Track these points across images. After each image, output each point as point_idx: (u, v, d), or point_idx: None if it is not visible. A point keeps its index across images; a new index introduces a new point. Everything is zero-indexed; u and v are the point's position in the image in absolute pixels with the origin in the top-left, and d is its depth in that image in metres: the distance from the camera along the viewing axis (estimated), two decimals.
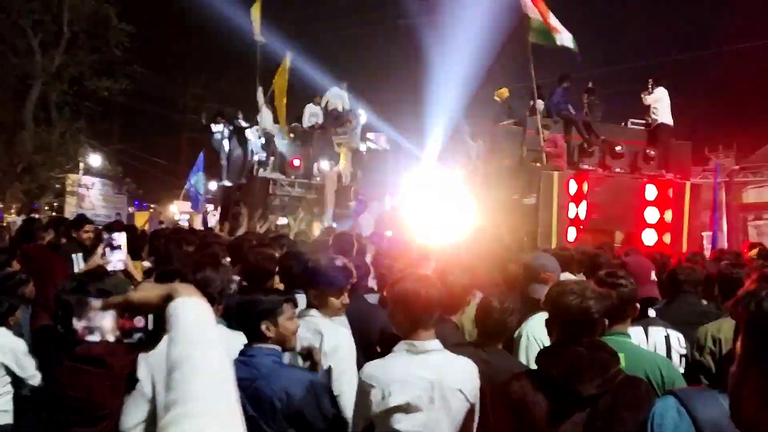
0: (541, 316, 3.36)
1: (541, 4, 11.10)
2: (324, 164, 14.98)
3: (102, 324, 1.34)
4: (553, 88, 12.57)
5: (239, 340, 2.90)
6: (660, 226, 11.56)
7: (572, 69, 12.80)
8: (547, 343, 3.26)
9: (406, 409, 2.51)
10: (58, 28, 19.35)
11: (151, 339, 1.36)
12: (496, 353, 3.07)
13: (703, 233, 10.78)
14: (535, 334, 3.28)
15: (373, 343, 3.73)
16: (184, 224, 15.09)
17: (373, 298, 4.55)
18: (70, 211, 21.47)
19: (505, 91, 13.38)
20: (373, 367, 2.66)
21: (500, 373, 2.78)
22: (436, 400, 2.51)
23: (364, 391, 2.61)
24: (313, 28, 25.65)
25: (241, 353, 2.71)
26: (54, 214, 21.06)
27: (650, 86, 12.44)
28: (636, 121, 13.44)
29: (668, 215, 11.61)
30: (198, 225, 12.75)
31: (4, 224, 8.99)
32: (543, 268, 3.56)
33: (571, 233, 10.86)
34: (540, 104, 12.26)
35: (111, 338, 1.35)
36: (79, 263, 5.17)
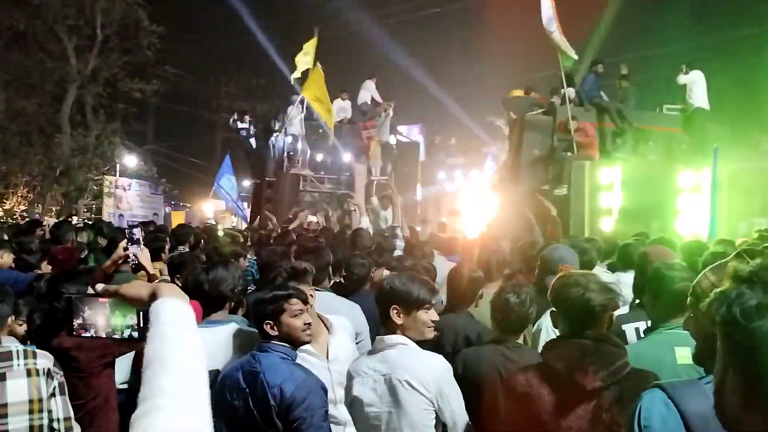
0: None
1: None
2: (353, 159, 15.00)
3: (96, 321, 1.40)
4: (585, 75, 12.32)
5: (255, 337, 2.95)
6: (696, 215, 11.21)
7: (604, 54, 12.55)
8: None
9: (360, 401, 2.67)
10: (92, 31, 19.69)
11: (141, 336, 1.38)
12: (516, 348, 3.01)
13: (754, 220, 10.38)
14: (553, 327, 3.21)
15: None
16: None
17: None
18: (108, 213, 21.95)
19: (518, 91, 13.22)
20: (354, 362, 2.88)
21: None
22: (386, 393, 2.63)
23: (346, 384, 2.81)
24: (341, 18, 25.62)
25: (257, 348, 2.75)
26: (92, 216, 21.52)
27: (684, 69, 12.10)
28: (670, 106, 13.11)
29: (704, 203, 11.25)
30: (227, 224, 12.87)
31: (45, 227, 9.20)
32: (560, 260, 3.48)
33: (605, 223, 10.64)
34: (571, 92, 12.06)
35: (103, 334, 1.42)
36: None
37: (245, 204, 18.48)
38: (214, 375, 2.81)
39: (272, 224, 10.42)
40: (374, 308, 3.84)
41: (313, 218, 12.24)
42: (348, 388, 2.77)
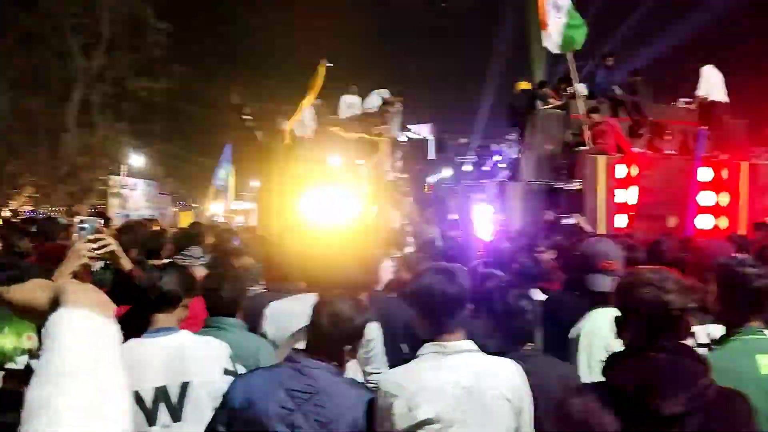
0: (604, 312, 2.97)
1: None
2: (361, 156, 14.75)
3: None
4: (595, 68, 12.05)
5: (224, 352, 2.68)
6: (715, 210, 10.92)
7: (615, 46, 12.28)
8: (613, 344, 2.91)
9: (436, 422, 2.19)
10: (98, 30, 19.56)
11: None
12: (534, 358, 2.69)
13: None
14: (596, 332, 2.92)
15: (398, 340, 3.43)
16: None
17: None
18: (114, 213, 21.78)
19: (525, 83, 12.94)
20: (397, 374, 2.34)
21: (548, 381, 2.46)
22: (472, 409, 2.19)
23: (386, 402, 2.26)
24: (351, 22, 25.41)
25: (290, 359, 2.37)
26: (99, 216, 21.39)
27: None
28: (686, 100, 12.82)
29: (724, 198, 10.97)
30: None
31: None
32: (602, 255, 3.14)
33: (620, 220, 10.36)
34: (582, 87, 11.81)
35: None
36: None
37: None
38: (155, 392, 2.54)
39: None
40: (386, 310, 3.56)
41: None
42: (406, 408, 2.23)
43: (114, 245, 2.79)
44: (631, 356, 1.88)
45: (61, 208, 20.67)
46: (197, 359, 2.61)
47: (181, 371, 2.57)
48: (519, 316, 2.76)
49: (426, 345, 2.33)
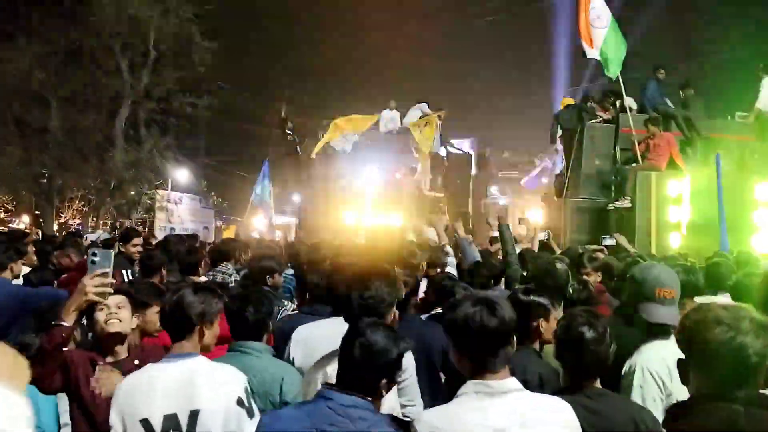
0: (660, 345, 2.73)
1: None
2: (401, 172, 14.59)
3: None
4: (645, 81, 11.61)
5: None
6: None
7: (669, 60, 11.84)
8: (668, 380, 2.61)
9: None
10: (145, 48, 19.99)
11: None
12: (602, 397, 2.37)
13: None
14: (651, 367, 2.63)
15: (435, 367, 3.17)
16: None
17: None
18: (159, 226, 22.17)
19: (569, 99, 12.58)
20: (434, 416, 2.07)
21: (617, 425, 2.17)
22: None
23: None
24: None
25: (322, 396, 2.13)
26: (146, 229, 21.77)
27: (761, 72, 11.28)
28: (742, 114, 12.26)
29: None
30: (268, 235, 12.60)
31: (87, 242, 9.08)
32: (658, 281, 2.82)
33: (674, 239, 9.88)
34: (631, 100, 11.40)
35: None
36: (128, 279, 4.94)
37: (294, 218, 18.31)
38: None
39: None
40: (423, 337, 3.29)
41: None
42: None
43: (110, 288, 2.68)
44: (700, 407, 1.61)
45: (108, 222, 21.13)
46: (208, 387, 2.43)
47: (191, 399, 2.40)
48: (583, 347, 2.39)
49: (468, 383, 2.05)
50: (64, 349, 2.68)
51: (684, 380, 1.72)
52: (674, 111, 11.35)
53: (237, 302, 3.03)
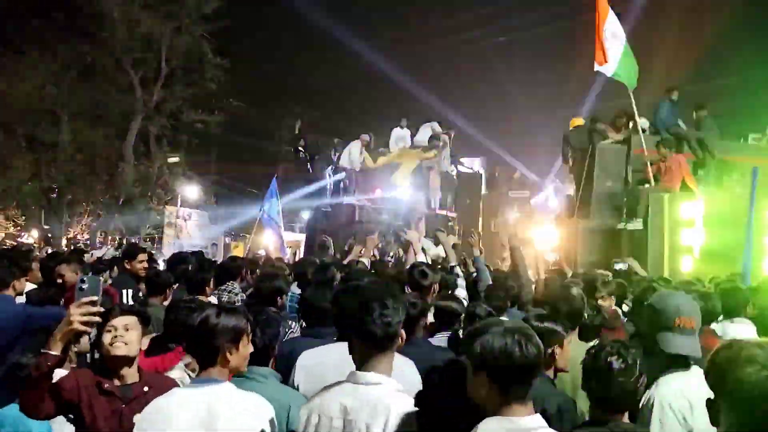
0: (679, 378, 2.62)
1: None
2: (412, 190, 14.50)
3: None
4: (658, 103, 11.52)
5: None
6: None
7: (682, 81, 11.75)
8: (689, 414, 2.49)
9: None
10: (157, 64, 20.13)
11: None
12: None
13: None
14: (671, 402, 2.51)
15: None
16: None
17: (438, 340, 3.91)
18: (168, 243, 22.10)
19: (578, 120, 12.48)
20: None
21: None
22: None
23: None
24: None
25: None
26: (154, 245, 21.75)
27: None
28: (756, 136, 12.13)
29: None
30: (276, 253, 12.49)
31: (93, 258, 9.00)
32: (678, 310, 2.71)
33: (686, 262, 9.71)
34: (644, 122, 11.29)
35: None
36: (128, 299, 4.85)
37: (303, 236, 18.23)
38: None
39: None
40: (432, 361, 3.27)
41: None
42: None
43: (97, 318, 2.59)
44: None
45: (116, 237, 21.11)
46: (228, 417, 2.33)
47: (209, 427, 2.31)
48: (611, 378, 2.28)
49: (491, 420, 1.94)
50: (63, 373, 2.61)
51: (714, 421, 1.61)
52: (687, 133, 11.23)
53: None
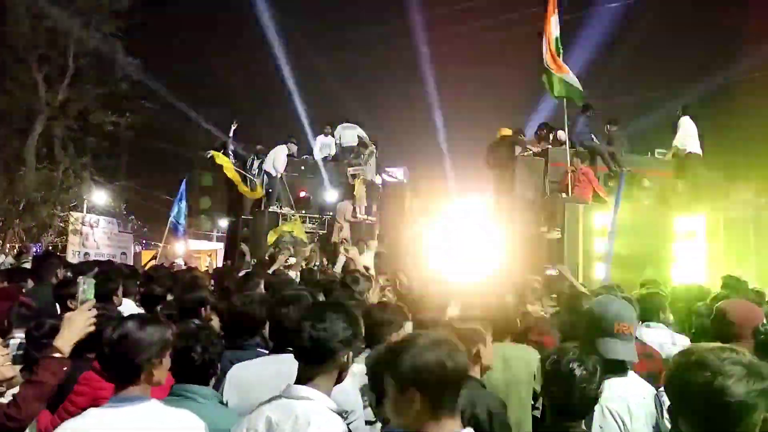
0: (619, 383, 2.64)
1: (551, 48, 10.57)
2: (337, 198, 14.38)
3: None
4: (575, 118, 11.98)
5: None
6: (692, 262, 10.77)
7: (593, 98, 12.27)
8: (628, 419, 2.53)
9: None
10: (63, 62, 19.03)
11: None
12: None
13: None
14: (611, 407, 2.52)
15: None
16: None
17: None
18: (73, 251, 20.91)
19: (506, 130, 12.82)
20: None
21: None
22: None
23: None
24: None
25: None
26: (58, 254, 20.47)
27: (679, 113, 11.87)
28: (662, 151, 12.83)
29: (700, 250, 10.83)
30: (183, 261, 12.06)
31: None
32: (618, 316, 2.73)
33: (599, 270, 10.11)
34: (561, 134, 11.72)
35: None
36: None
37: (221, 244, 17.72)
38: None
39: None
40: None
41: (292, 260, 11.51)
42: None
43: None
44: None
45: (18, 245, 19.72)
46: None
47: None
48: (573, 385, 2.25)
49: None
50: None
51: (673, 428, 1.61)
52: (600, 147, 11.74)
53: (183, 340, 2.70)
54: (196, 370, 2.66)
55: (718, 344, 1.63)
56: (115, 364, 2.28)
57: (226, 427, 2.43)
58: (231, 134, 14.92)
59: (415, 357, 1.88)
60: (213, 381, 2.79)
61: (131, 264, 18.87)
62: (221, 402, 2.73)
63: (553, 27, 10.45)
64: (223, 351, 2.98)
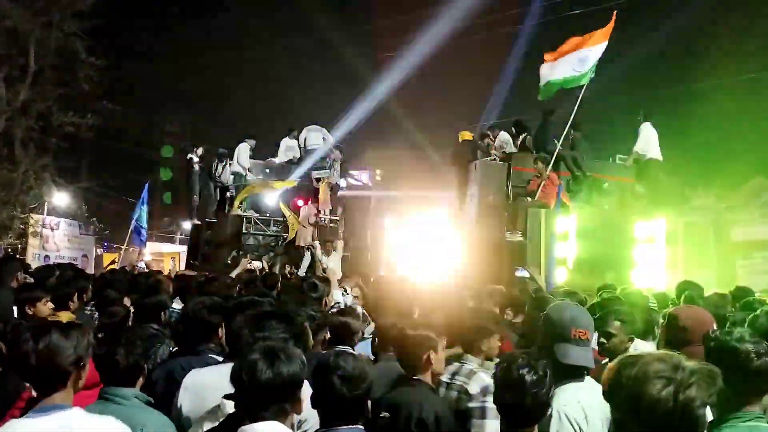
0: (575, 388, 2.68)
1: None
2: (301, 201, 14.34)
3: None
4: (539, 123, 12.16)
5: None
6: (652, 266, 10.98)
7: (556, 104, 12.44)
8: (584, 424, 2.54)
9: None
10: (24, 61, 18.57)
11: None
12: None
13: None
14: (568, 412, 2.54)
15: None
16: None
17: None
18: (33, 253, 20.44)
19: (467, 134, 12.94)
20: None
21: None
22: None
23: None
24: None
25: None
26: (17, 257, 19.92)
27: (641, 119, 12.11)
28: (623, 156, 13.07)
29: (660, 254, 11.06)
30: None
31: None
32: (574, 322, 2.76)
33: (560, 274, 10.25)
34: (528, 139, 11.89)
35: None
36: None
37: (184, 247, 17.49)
38: None
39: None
40: None
41: (257, 264, 11.44)
42: None
43: None
44: None
45: None
46: None
47: None
48: (525, 390, 2.26)
49: None
50: None
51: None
52: (563, 152, 11.91)
53: (105, 345, 2.73)
54: (122, 372, 2.67)
55: (664, 351, 1.65)
56: (39, 374, 2.23)
57: (141, 422, 2.45)
58: (197, 154, 14.80)
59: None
60: (141, 382, 2.79)
61: (93, 266, 18.54)
62: (148, 403, 2.72)
63: (597, 50, 10.70)
64: (152, 352, 2.99)
